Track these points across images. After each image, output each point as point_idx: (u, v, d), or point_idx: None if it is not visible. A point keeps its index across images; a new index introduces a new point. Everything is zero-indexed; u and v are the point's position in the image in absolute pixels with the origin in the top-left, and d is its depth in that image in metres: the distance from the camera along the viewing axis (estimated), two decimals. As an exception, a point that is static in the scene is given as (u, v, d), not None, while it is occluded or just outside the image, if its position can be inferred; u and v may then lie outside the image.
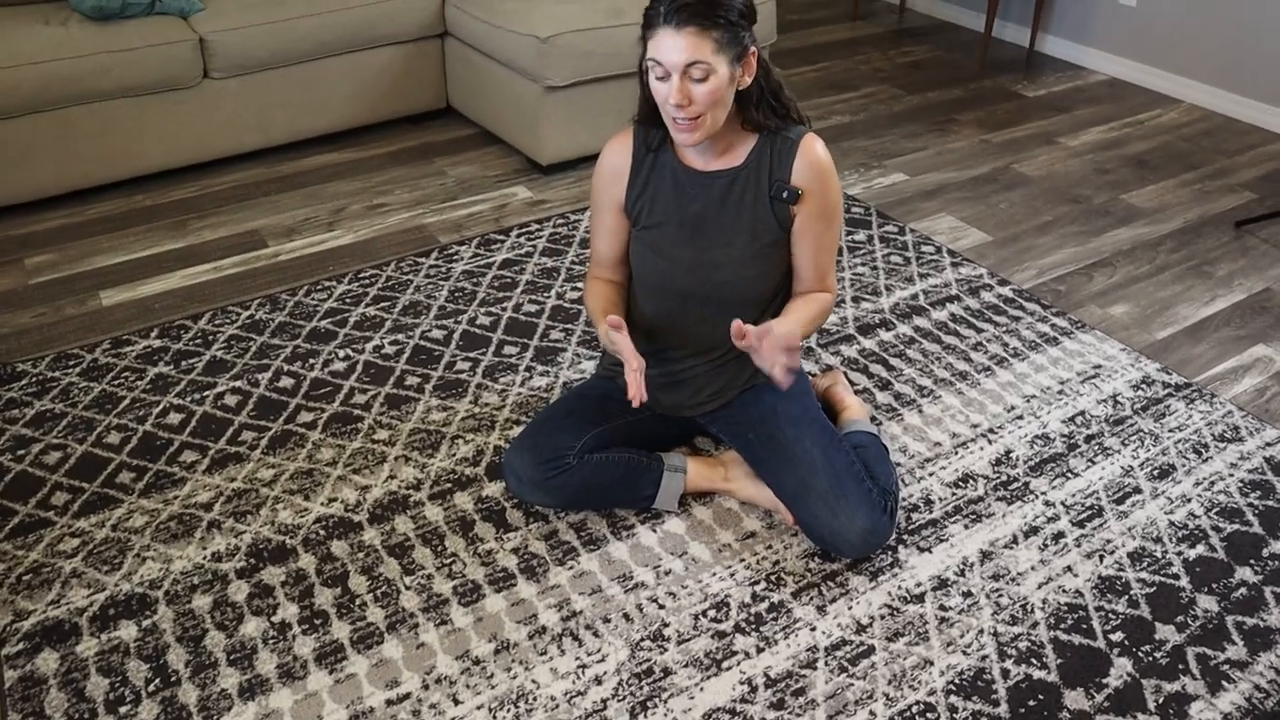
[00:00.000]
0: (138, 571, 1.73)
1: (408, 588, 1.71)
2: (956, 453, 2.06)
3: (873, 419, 2.11)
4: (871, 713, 1.53)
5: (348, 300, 2.50)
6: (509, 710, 1.51)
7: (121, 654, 1.59)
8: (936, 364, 2.33)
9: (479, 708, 1.52)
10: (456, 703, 1.52)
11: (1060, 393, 2.24)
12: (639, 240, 1.76)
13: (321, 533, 1.82)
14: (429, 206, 2.98)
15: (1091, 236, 2.93)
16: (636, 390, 1.55)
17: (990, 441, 2.09)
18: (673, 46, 1.47)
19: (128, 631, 1.63)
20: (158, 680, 1.55)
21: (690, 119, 1.53)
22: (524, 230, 2.83)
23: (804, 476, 1.73)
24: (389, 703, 1.52)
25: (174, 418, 2.10)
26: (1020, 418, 2.16)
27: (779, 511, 1.85)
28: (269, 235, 2.80)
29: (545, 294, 2.54)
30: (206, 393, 2.17)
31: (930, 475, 2.00)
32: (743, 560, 1.79)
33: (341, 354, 2.30)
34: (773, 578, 1.75)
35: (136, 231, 2.81)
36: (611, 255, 1.82)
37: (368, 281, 2.58)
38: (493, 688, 1.55)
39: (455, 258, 2.69)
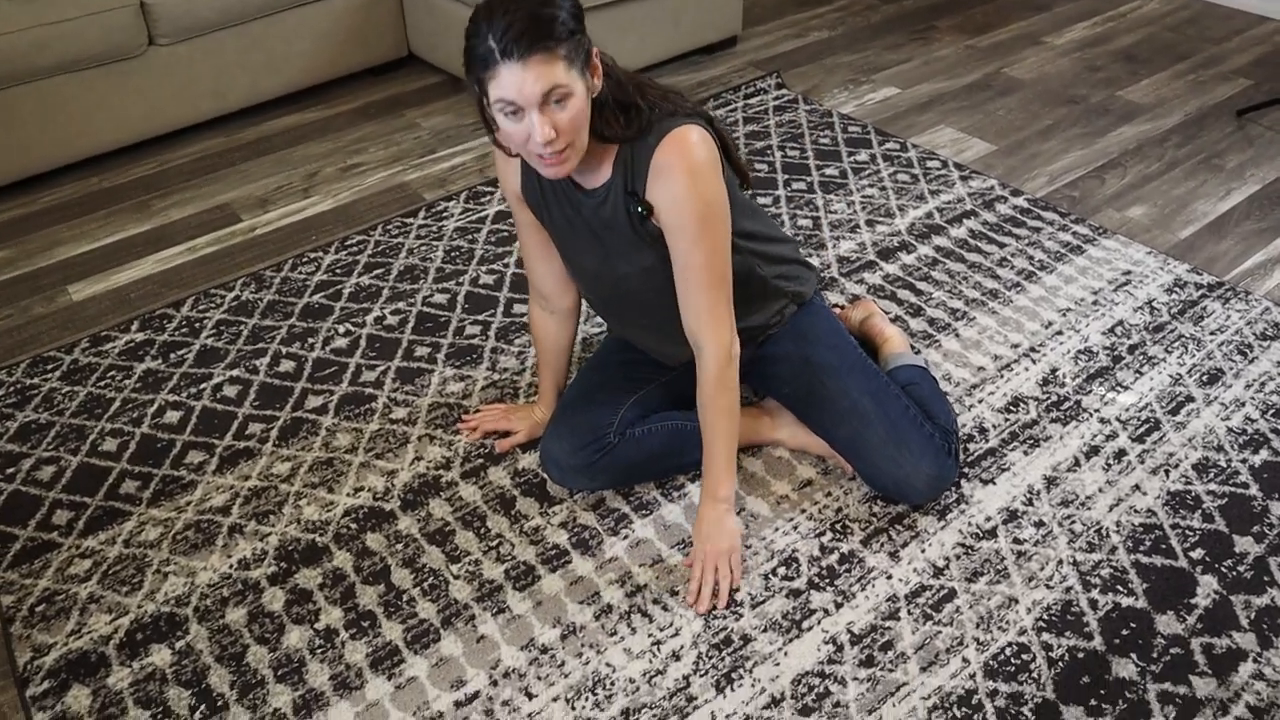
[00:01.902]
0: (161, 589, 1.60)
1: (456, 576, 1.60)
2: (1002, 375, 1.97)
3: (912, 348, 2.01)
4: (965, 659, 1.45)
5: (338, 271, 2.34)
6: (588, 699, 1.42)
7: (158, 681, 1.46)
8: (964, 284, 2.23)
9: (555, 700, 1.42)
10: (530, 697, 1.42)
11: (1095, 303, 2.15)
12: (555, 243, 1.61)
13: (353, 526, 1.69)
14: (407, 162, 2.80)
15: (1095, 137, 2.83)
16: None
17: (1034, 361, 2.01)
18: (523, 81, 1.23)
19: (161, 656, 1.50)
20: (203, 707, 1.43)
21: (558, 152, 1.31)
22: (512, 180, 2.68)
23: (857, 429, 1.63)
24: (458, 704, 1.42)
25: (172, 416, 1.95)
26: (1060, 333, 2.08)
27: (833, 458, 1.75)
28: (241, 208, 2.62)
29: (547, 246, 2.40)
30: (203, 385, 2.02)
31: (980, 402, 1.91)
32: (804, 511, 1.69)
33: (341, 329, 2.15)
34: (838, 526, 1.66)
35: (97, 217, 2.61)
36: (536, 254, 1.65)
37: (356, 249, 2.42)
38: (566, 676, 1.45)
39: (445, 215, 2.54)
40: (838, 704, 1.40)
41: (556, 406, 1.72)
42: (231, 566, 1.63)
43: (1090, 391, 1.92)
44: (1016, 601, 1.53)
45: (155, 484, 1.80)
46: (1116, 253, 2.32)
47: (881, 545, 1.63)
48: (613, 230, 1.49)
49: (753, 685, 1.43)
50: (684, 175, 1.38)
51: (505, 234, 2.45)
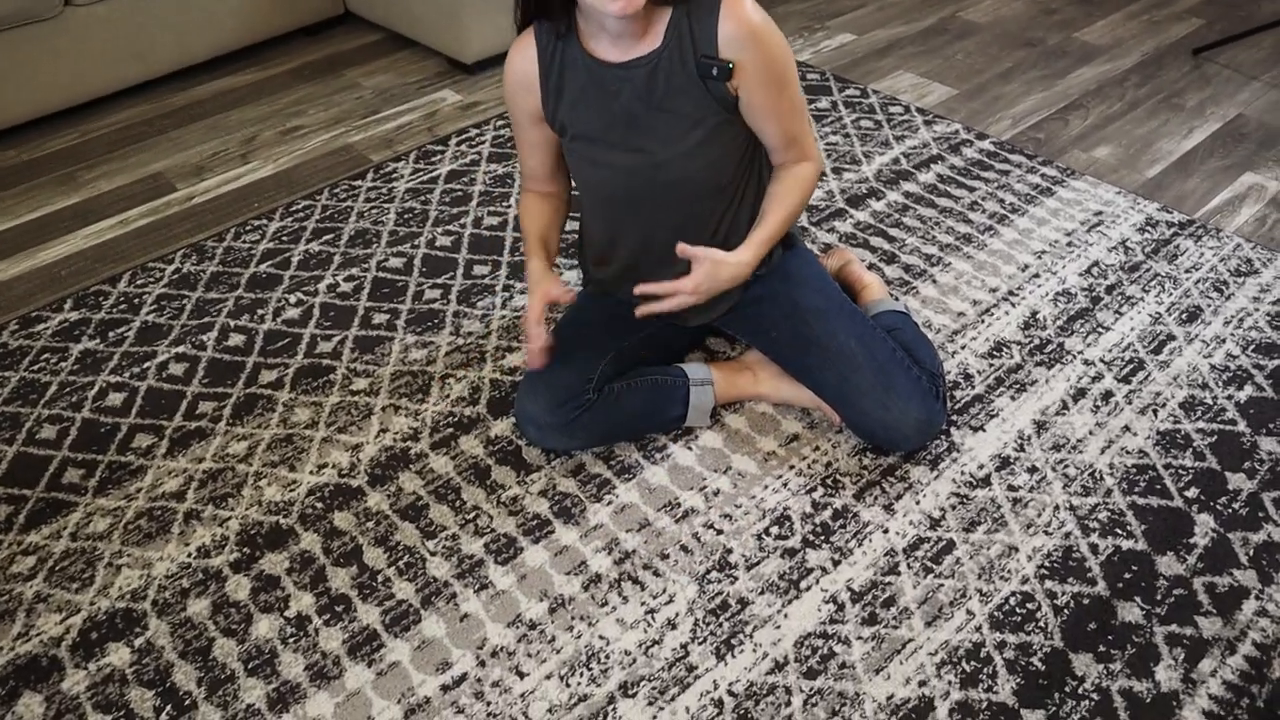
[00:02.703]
0: (114, 584, 1.49)
1: (433, 553, 1.51)
2: (983, 320, 1.92)
3: (891, 295, 1.96)
4: (969, 612, 1.40)
5: (285, 238, 2.22)
6: (582, 674, 1.34)
7: (118, 683, 1.36)
8: (937, 229, 2.18)
9: (548, 677, 1.34)
10: (521, 675, 1.34)
11: (1069, 245, 2.11)
12: (571, 152, 1.53)
13: (318, 506, 1.59)
14: (350, 124, 2.67)
15: (1055, 79, 2.79)
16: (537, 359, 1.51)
17: (1013, 305, 1.96)
18: None
19: (120, 655, 1.39)
20: (170, 708, 1.33)
21: None
22: (464, 137, 2.56)
23: (845, 373, 1.57)
24: (444, 688, 1.33)
25: (114, 398, 1.82)
26: (1036, 276, 2.03)
27: (820, 409, 1.69)
28: (176, 177, 2.48)
29: (504, 204, 2.30)
30: (146, 364, 1.89)
31: (962, 348, 1.86)
32: (792, 467, 1.63)
33: (293, 299, 2.04)
34: (829, 481, 1.60)
35: (17, 192, 2.45)
36: (543, 169, 1.60)
37: (302, 215, 2.29)
38: (558, 652, 1.37)
39: (394, 176, 2.42)
40: (843, 665, 1.34)
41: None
42: (190, 555, 1.53)
43: (1072, 333, 1.88)
44: (1016, 550, 1.49)
45: (101, 471, 1.67)
46: (1086, 193, 2.28)
47: (875, 499, 1.57)
48: (654, 104, 1.42)
49: (754, 650, 1.36)
50: (762, 29, 1.37)
51: (460, 194, 2.34)
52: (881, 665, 1.34)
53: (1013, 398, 1.75)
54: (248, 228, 2.25)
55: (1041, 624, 1.38)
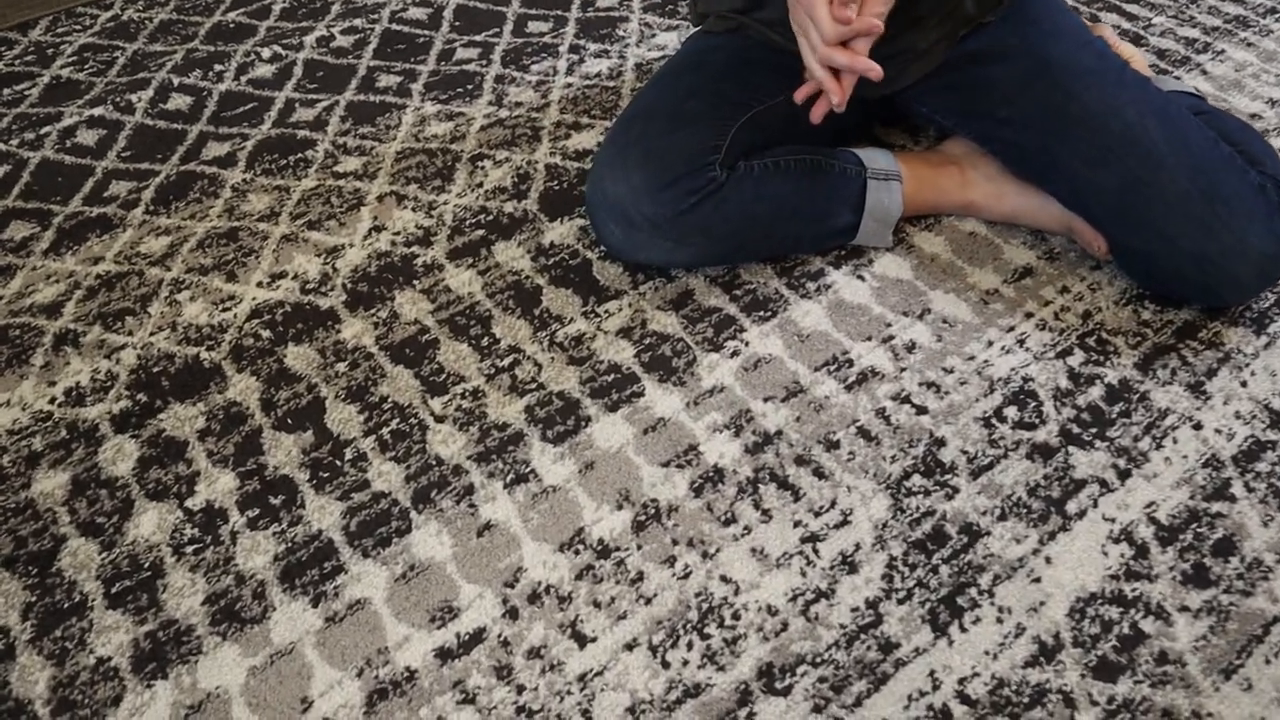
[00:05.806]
0: (-81, 434, 0.92)
1: (440, 418, 0.91)
2: (1293, 125, 1.26)
3: (1153, 81, 1.30)
4: (1371, 575, 0.79)
5: (265, -19, 1.59)
6: (690, 646, 0.75)
7: (-119, 604, 0.80)
8: (1195, 8, 1.49)
9: (630, 647, 0.75)
10: (582, 642, 0.75)
11: (1399, 34, 1.42)
12: None
13: (264, 335, 1.00)
14: None
15: None
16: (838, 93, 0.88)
17: (1334, 106, 1.29)
18: None
19: (-105, 555, 0.83)
20: (-45, 655, 0.76)
21: None
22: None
23: (1135, 172, 0.93)
24: (442, 655, 0.75)
25: (-12, 169, 1.24)
26: (1360, 70, 1.35)
27: (1070, 231, 1.05)
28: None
29: (574, -49, 1.64)
30: (45, 130, 1.30)
31: (1271, 160, 1.20)
32: (1030, 316, 1.00)
33: (267, 54, 1.42)
34: (1091, 341, 0.97)
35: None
36: None
37: (293, -44, 1.66)
38: (648, 602, 0.78)
39: (424, -85, 1.76)
40: (1163, 657, 0.74)
41: (617, 122, 1.00)
42: (54, 400, 0.95)
43: None
44: None
45: (-53, 269, 1.10)
46: (1405, -28, 1.57)
47: (1172, 374, 0.94)
48: None
49: (999, 620, 0.76)
50: None
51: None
52: (1233, 664, 0.73)
53: (1365, 233, 1.10)
54: (219, -31, 1.63)
55: None
